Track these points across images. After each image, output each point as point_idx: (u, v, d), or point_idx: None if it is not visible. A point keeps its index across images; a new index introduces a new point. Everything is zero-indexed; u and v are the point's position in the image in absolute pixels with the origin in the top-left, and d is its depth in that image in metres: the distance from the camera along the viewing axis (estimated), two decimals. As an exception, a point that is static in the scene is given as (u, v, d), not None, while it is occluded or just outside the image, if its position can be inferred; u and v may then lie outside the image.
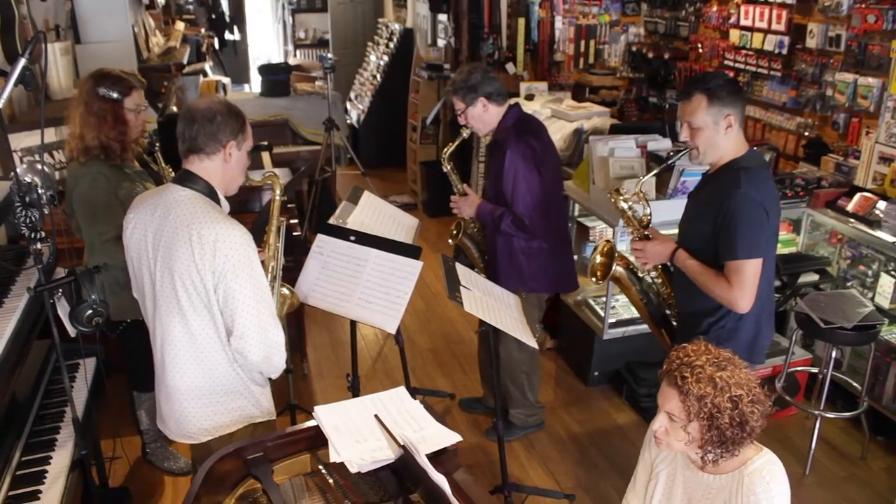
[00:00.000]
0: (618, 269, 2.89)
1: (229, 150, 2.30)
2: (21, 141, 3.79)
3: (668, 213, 2.87)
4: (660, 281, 2.93)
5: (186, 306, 2.22)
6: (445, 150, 3.69)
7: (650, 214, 2.82)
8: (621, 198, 2.84)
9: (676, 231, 2.88)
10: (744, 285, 2.50)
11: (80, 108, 3.04)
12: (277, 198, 2.59)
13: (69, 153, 3.13)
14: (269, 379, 2.49)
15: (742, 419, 1.88)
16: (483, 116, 3.50)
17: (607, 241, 2.96)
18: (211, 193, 2.29)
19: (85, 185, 3.04)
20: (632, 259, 2.93)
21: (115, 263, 3.00)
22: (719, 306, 2.64)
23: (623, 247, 3.66)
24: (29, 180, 2.32)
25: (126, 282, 2.47)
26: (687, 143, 2.66)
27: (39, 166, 2.80)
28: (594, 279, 2.96)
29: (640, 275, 2.92)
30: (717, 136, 2.58)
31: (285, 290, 2.78)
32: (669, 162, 2.80)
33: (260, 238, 2.59)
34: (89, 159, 3.04)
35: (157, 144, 3.35)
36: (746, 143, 2.65)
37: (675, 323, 2.94)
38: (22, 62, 2.05)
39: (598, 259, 2.95)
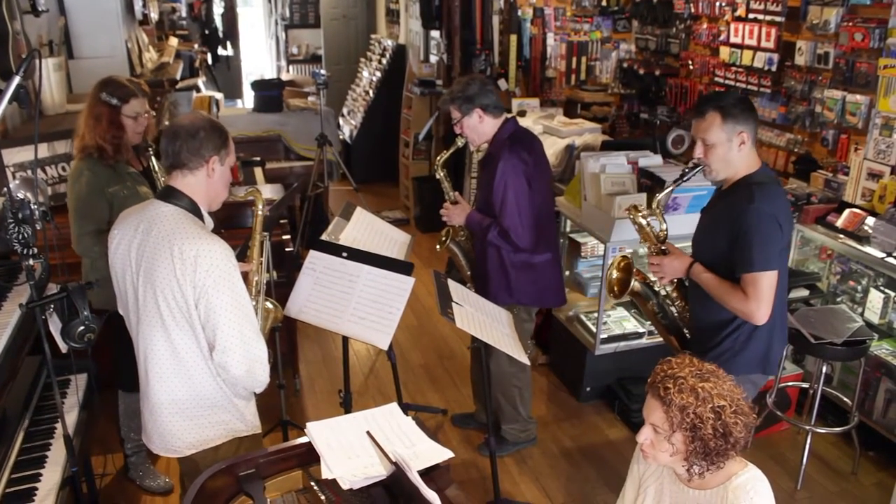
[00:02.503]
0: (636, 284, 2.91)
1: (212, 165, 2.32)
2: (14, 156, 3.79)
3: (691, 227, 2.91)
4: (675, 294, 2.96)
5: (169, 321, 2.24)
6: (439, 157, 3.72)
7: (666, 230, 2.84)
8: (640, 214, 2.86)
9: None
10: (760, 297, 2.54)
11: (86, 109, 3.22)
12: (259, 213, 2.61)
13: (74, 150, 3.30)
14: (256, 393, 2.50)
15: (725, 430, 1.89)
16: (478, 127, 3.52)
17: (623, 256, 2.97)
18: (194, 209, 2.32)
19: (73, 179, 3.20)
20: (648, 274, 2.96)
21: (94, 256, 3.17)
22: (733, 318, 2.68)
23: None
24: (22, 196, 2.33)
25: (107, 273, 2.49)
26: (700, 161, 2.69)
27: (33, 182, 2.82)
28: (612, 295, 2.97)
29: (657, 289, 2.94)
30: (731, 152, 2.62)
31: (269, 305, 2.79)
32: (685, 178, 2.79)
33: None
34: (85, 157, 3.18)
35: (152, 148, 3.41)
36: (759, 160, 2.70)
37: (687, 335, 2.97)
38: (16, 80, 2.06)
39: (615, 274, 2.97)
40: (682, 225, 3.31)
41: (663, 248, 2.84)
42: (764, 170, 2.68)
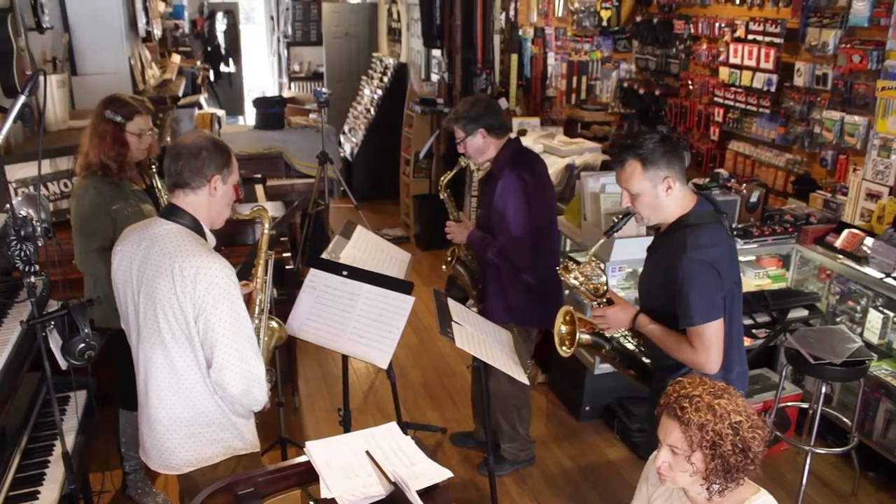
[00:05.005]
0: (582, 336, 2.78)
1: (214, 184, 2.34)
2: (16, 173, 3.81)
3: None
4: (632, 336, 2.87)
5: (168, 338, 2.25)
6: (443, 177, 3.75)
7: (606, 283, 2.75)
8: (570, 275, 2.75)
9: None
10: (707, 348, 2.45)
11: (90, 127, 3.23)
12: (266, 231, 2.61)
13: (76, 168, 3.30)
14: (255, 412, 2.50)
15: (744, 445, 1.89)
16: (481, 147, 3.54)
17: (567, 308, 2.84)
18: (196, 227, 2.33)
19: (77, 197, 3.20)
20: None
21: (98, 274, 3.13)
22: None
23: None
24: (24, 213, 2.34)
25: (110, 291, 2.50)
26: (629, 209, 2.60)
27: (35, 198, 2.82)
28: (564, 349, 2.81)
29: (609, 335, 2.83)
30: (658, 199, 2.51)
31: (273, 324, 2.78)
32: (615, 229, 2.70)
33: (250, 272, 2.61)
34: (88, 174, 3.19)
35: (155, 166, 3.42)
36: (693, 197, 2.57)
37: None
38: (21, 99, 2.08)
39: (565, 329, 2.83)
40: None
41: (604, 300, 2.74)
42: (699, 208, 2.55)
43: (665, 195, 2.50)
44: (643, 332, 2.65)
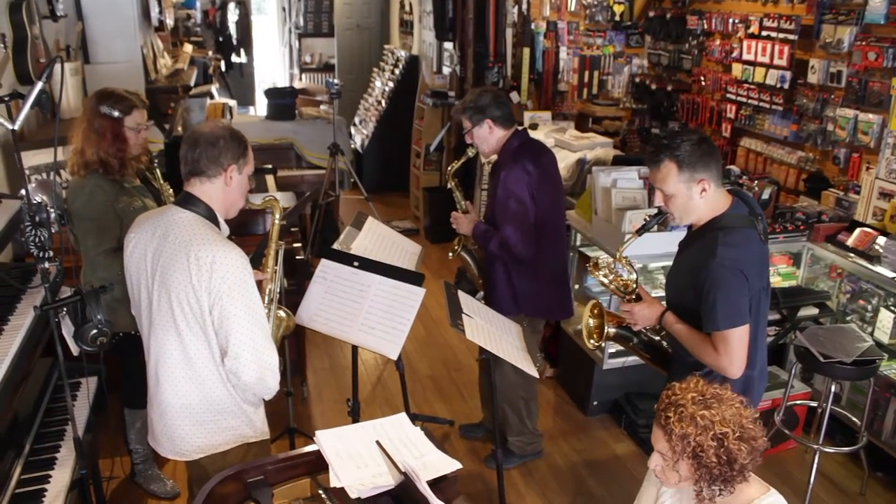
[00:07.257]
0: (609, 329, 2.82)
1: (230, 173, 2.34)
2: (30, 159, 3.83)
3: (671, 245, 2.86)
4: (658, 326, 2.84)
5: (182, 326, 2.26)
6: (451, 167, 3.75)
7: (636, 280, 2.75)
8: (600, 273, 2.75)
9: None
10: (731, 353, 2.44)
11: (83, 124, 3.13)
12: (277, 222, 2.62)
13: (70, 168, 3.20)
14: (265, 400, 2.51)
15: (729, 457, 1.87)
16: (488, 138, 3.54)
17: (595, 302, 2.88)
18: (211, 216, 2.34)
19: (83, 199, 3.11)
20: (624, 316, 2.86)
21: (110, 275, 3.07)
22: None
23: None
24: (39, 200, 2.36)
25: (121, 294, 2.50)
26: (661, 208, 2.59)
27: (52, 185, 2.84)
28: (592, 342, 2.86)
29: (636, 328, 2.85)
30: (692, 201, 2.50)
31: (281, 313, 2.80)
32: (647, 228, 2.66)
33: (261, 261, 2.62)
34: (88, 173, 3.12)
35: (156, 161, 3.41)
36: (728, 198, 2.56)
37: None
38: (39, 86, 2.09)
39: (592, 322, 2.86)
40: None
41: (633, 296, 2.74)
42: (733, 211, 2.53)
43: (699, 197, 2.49)
44: (669, 329, 2.65)
